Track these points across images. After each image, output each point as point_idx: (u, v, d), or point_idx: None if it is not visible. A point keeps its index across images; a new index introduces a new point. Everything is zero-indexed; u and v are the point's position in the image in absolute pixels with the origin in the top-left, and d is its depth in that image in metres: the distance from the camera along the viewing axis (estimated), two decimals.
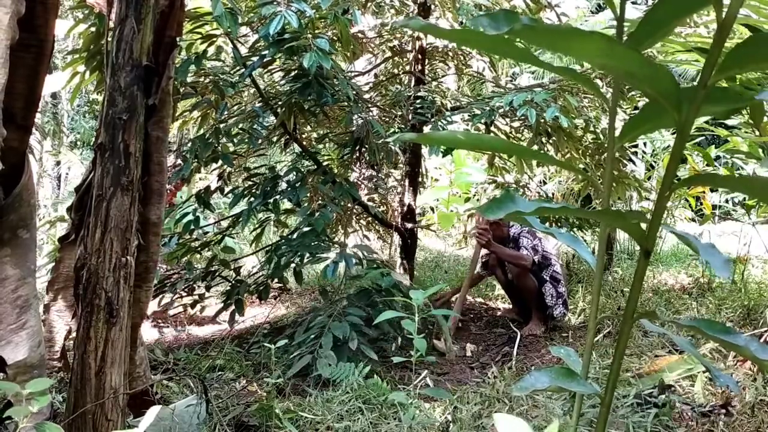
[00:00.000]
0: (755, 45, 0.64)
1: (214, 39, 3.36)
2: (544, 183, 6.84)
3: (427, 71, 4.51)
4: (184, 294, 3.81)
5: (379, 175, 4.64)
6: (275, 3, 2.92)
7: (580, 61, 5.17)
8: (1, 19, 1.51)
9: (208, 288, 3.83)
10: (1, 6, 1.50)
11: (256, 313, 4.51)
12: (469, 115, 3.83)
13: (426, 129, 4.00)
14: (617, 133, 0.88)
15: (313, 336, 3.20)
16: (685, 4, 0.69)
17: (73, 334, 1.90)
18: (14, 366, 1.60)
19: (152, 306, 2.91)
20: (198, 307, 3.84)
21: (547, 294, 4.04)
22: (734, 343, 0.78)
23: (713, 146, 7.45)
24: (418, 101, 3.94)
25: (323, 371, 2.88)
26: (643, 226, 0.79)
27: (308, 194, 4.05)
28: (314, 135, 4.67)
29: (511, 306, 4.60)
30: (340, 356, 3.05)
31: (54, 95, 10.03)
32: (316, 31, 3.20)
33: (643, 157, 6.37)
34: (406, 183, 4.47)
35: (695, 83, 0.71)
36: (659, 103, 0.71)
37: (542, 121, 3.59)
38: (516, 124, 4.32)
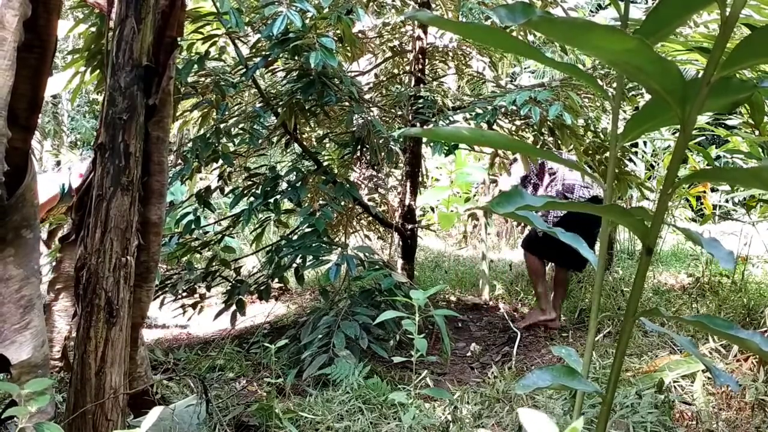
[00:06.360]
0: (759, 40, 0.64)
1: (216, 39, 3.36)
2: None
3: (427, 71, 4.51)
4: (184, 294, 3.81)
5: (380, 175, 4.64)
6: (277, 3, 2.91)
7: (582, 60, 5.17)
8: (9, 21, 1.51)
9: (208, 288, 3.83)
10: (9, 8, 1.51)
11: (256, 313, 4.51)
12: (470, 115, 3.83)
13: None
14: (619, 131, 0.88)
15: (320, 336, 3.21)
16: (688, 3, 0.69)
17: (74, 334, 1.90)
18: (18, 366, 1.60)
19: (153, 306, 2.91)
20: (199, 307, 3.84)
21: None
22: (738, 337, 0.78)
23: (713, 146, 7.45)
24: (419, 101, 3.93)
25: (342, 369, 2.89)
26: (646, 223, 0.79)
27: (309, 194, 4.04)
28: (315, 135, 4.67)
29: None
30: (353, 355, 3.07)
31: (54, 95, 10.03)
32: (318, 31, 3.19)
33: (643, 156, 6.37)
34: (407, 183, 4.48)
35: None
36: (662, 100, 0.71)
37: (546, 119, 3.59)
38: (518, 122, 4.32)
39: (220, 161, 3.73)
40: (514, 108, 3.48)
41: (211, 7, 3.25)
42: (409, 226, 4.42)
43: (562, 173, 4.13)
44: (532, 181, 4.32)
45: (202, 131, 3.75)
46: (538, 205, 0.73)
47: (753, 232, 4.84)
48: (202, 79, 3.56)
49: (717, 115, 5.41)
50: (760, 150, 3.51)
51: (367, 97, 4.31)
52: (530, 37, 4.86)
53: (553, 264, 4.44)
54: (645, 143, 6.30)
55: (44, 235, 3.89)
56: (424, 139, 4.50)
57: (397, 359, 2.60)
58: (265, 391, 2.89)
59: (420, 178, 4.71)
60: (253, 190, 3.75)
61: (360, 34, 4.48)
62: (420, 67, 4.36)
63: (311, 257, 3.40)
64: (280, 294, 4.40)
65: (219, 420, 2.35)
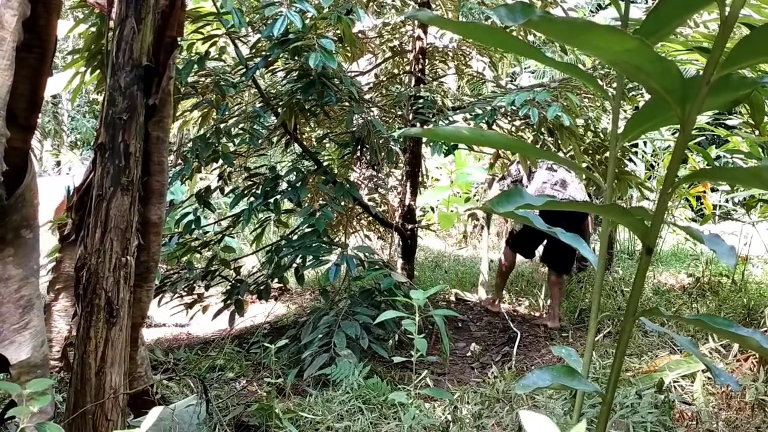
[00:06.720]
0: (758, 39, 0.64)
1: (216, 39, 3.36)
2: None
3: (427, 71, 4.51)
4: (184, 294, 3.81)
5: (380, 175, 4.64)
6: (278, 3, 2.92)
7: (582, 60, 5.17)
8: (8, 21, 1.51)
9: (207, 288, 3.83)
10: (8, 8, 1.51)
11: (256, 313, 4.51)
12: (470, 115, 3.83)
13: None
14: (619, 131, 0.88)
15: (321, 335, 3.20)
16: (688, 3, 0.69)
17: (74, 334, 1.90)
18: (17, 366, 1.60)
19: (153, 305, 2.91)
20: (198, 307, 3.84)
21: None
22: (739, 335, 0.78)
23: (713, 146, 7.45)
24: (419, 101, 3.94)
25: (342, 369, 2.89)
26: (646, 223, 0.79)
27: (309, 194, 4.04)
28: (315, 135, 4.68)
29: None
30: (354, 355, 3.08)
31: (54, 95, 10.05)
32: (318, 32, 3.19)
33: (643, 156, 6.37)
34: (407, 183, 4.48)
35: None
36: (662, 100, 0.72)
37: (545, 120, 3.60)
38: (517, 123, 4.32)
39: (220, 161, 3.73)
40: (514, 108, 3.49)
41: (211, 7, 3.25)
42: (409, 226, 4.42)
43: (541, 174, 4.22)
44: (525, 185, 4.37)
45: (202, 131, 3.75)
46: (538, 205, 0.73)
47: (753, 232, 4.84)
48: (202, 79, 3.56)
49: (717, 115, 5.41)
50: (760, 150, 3.52)
51: (367, 97, 4.31)
52: (530, 37, 4.86)
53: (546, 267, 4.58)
54: (645, 143, 6.30)
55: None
56: (424, 139, 4.51)
57: (397, 359, 2.60)
58: (265, 391, 2.89)
59: (420, 178, 4.71)
60: (253, 190, 3.75)
61: (360, 34, 4.48)
62: (420, 67, 4.36)
63: (311, 257, 3.40)
64: (280, 294, 4.40)
65: (219, 420, 2.35)
